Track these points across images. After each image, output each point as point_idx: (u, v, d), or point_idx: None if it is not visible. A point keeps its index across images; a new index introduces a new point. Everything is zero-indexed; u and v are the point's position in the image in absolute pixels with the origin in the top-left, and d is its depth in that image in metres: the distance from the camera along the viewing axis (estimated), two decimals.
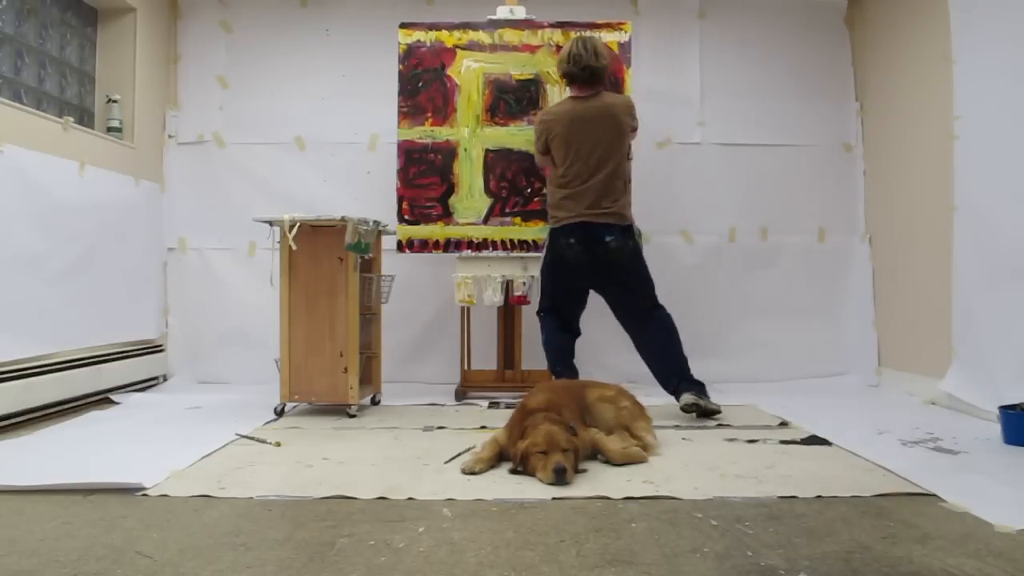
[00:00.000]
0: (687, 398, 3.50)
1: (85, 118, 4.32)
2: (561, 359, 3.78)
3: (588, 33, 3.85)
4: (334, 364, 3.60)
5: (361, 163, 4.81)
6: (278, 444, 2.99)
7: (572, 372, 3.78)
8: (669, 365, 3.65)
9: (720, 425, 3.40)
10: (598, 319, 4.80)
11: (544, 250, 3.83)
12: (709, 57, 4.88)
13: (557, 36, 4.16)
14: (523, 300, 4.13)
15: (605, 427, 2.84)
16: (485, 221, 4.12)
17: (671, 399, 3.97)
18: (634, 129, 3.70)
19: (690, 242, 4.85)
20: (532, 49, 4.18)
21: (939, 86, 3.88)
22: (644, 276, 3.69)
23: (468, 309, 4.31)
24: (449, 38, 4.19)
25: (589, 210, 3.57)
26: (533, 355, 4.35)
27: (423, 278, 4.63)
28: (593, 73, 3.60)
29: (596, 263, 3.60)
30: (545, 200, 4.09)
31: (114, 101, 4.39)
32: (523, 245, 4.11)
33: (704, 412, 3.50)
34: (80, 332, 3.92)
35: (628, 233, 3.61)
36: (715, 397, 3.89)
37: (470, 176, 4.13)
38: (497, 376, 4.32)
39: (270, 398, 3.74)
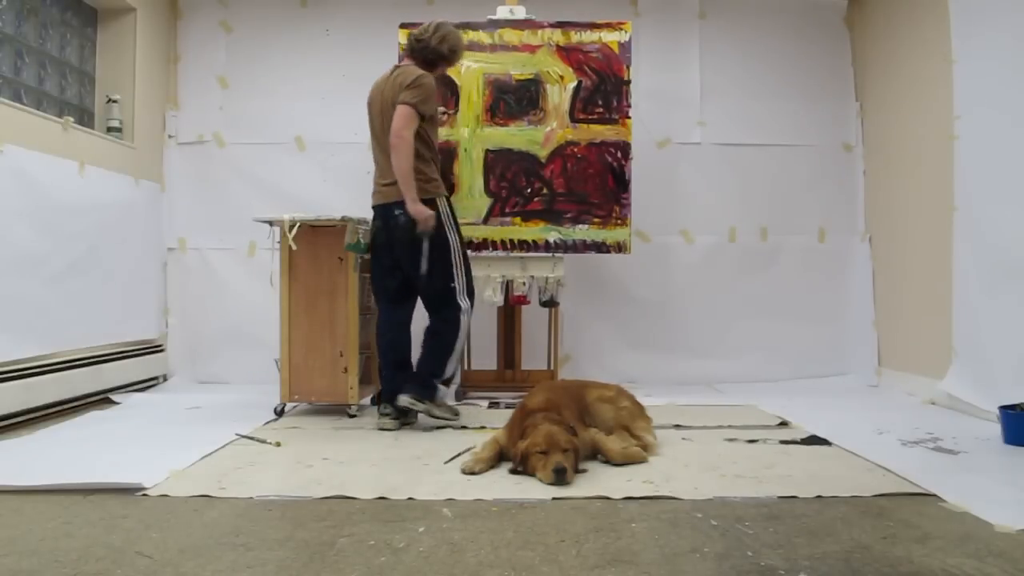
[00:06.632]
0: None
1: (85, 118, 4.32)
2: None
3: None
4: (334, 364, 3.60)
5: (361, 163, 4.76)
6: (278, 444, 2.99)
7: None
8: None
9: (720, 425, 3.39)
10: (599, 319, 4.83)
11: (447, 226, 3.36)
12: (709, 57, 4.88)
13: (557, 36, 4.16)
14: (523, 300, 4.13)
15: (605, 427, 2.84)
16: (485, 221, 4.12)
17: (671, 399, 3.99)
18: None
19: (690, 242, 4.85)
20: (532, 49, 4.17)
21: (939, 86, 3.88)
22: None
23: None
24: None
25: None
26: (533, 355, 4.35)
27: None
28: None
29: None
30: (546, 200, 4.09)
31: (114, 101, 4.38)
32: (523, 245, 4.11)
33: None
34: (80, 332, 3.92)
35: None
36: (715, 397, 3.87)
37: (470, 176, 4.13)
38: (497, 376, 4.31)
39: (270, 398, 3.74)
